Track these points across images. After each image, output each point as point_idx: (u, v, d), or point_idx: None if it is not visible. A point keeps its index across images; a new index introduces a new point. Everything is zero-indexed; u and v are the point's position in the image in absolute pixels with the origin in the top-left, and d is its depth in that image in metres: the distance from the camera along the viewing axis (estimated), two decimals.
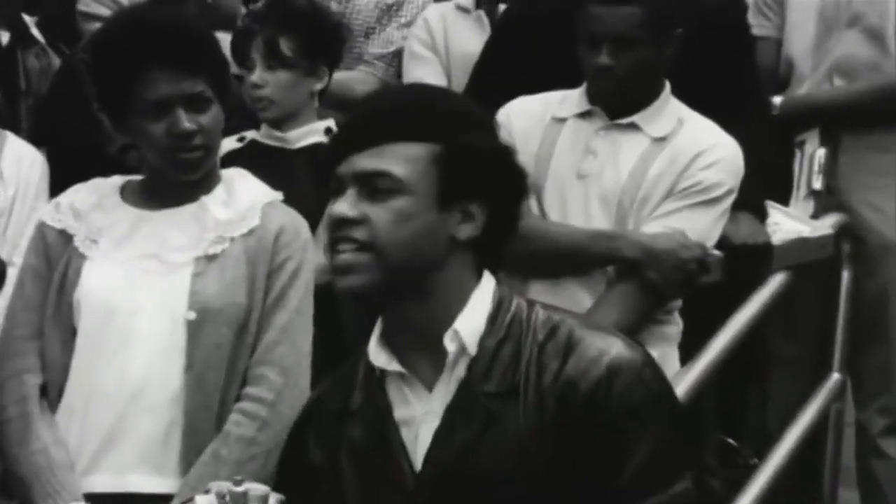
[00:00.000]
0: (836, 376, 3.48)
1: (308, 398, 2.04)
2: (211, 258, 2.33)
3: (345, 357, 3.39)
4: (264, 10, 3.23)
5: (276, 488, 1.91)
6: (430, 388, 1.87)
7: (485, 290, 1.87)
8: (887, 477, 3.66)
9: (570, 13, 2.88)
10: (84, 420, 2.32)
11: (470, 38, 3.65)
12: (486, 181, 1.84)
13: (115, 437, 2.30)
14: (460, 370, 1.85)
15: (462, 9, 3.80)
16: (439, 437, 1.83)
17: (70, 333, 2.34)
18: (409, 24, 3.89)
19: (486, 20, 3.72)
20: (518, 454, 1.80)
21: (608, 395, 1.79)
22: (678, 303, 2.96)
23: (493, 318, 1.85)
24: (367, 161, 1.84)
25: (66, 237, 2.39)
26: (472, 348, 1.85)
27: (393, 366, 1.87)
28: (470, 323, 1.85)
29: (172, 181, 2.38)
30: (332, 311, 3.08)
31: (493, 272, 1.92)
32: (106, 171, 2.57)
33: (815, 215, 3.52)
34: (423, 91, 1.96)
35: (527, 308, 1.87)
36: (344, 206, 1.83)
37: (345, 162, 1.85)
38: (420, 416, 1.86)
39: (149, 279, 2.33)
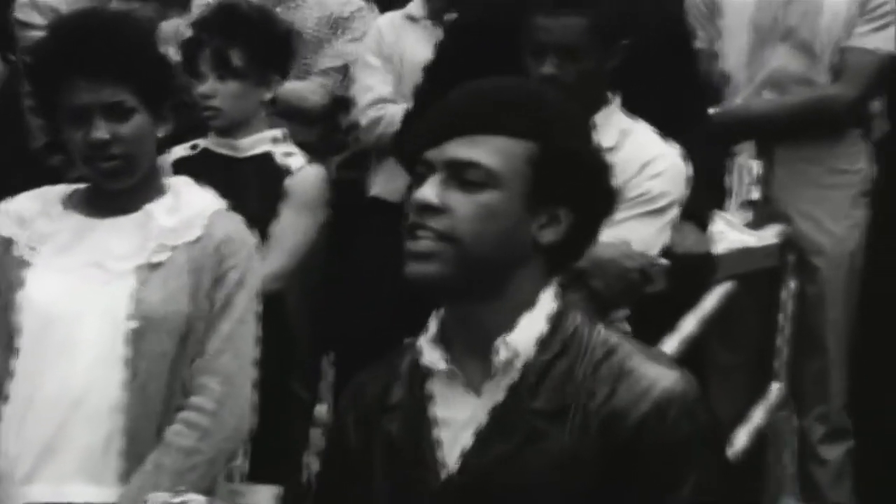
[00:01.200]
0: (777, 385, 3.52)
1: (350, 385, 1.93)
2: (154, 266, 2.32)
3: (295, 364, 3.39)
4: (213, 19, 3.22)
5: (319, 476, 1.87)
6: (477, 391, 1.78)
7: (546, 301, 1.78)
8: (828, 483, 3.71)
9: (517, 23, 2.90)
10: (23, 429, 2.31)
11: (420, 46, 3.66)
12: (578, 188, 1.77)
13: (55, 446, 2.29)
14: (510, 379, 1.77)
15: (411, 18, 3.82)
16: (477, 444, 1.76)
17: (11, 341, 2.33)
18: (359, 40, 3.90)
19: (435, 30, 3.74)
20: (555, 475, 1.73)
21: (656, 429, 1.71)
22: (624, 312, 2.98)
23: (553, 331, 1.77)
24: (461, 149, 1.73)
25: (8, 244, 2.37)
26: (524, 359, 1.76)
27: (441, 364, 1.79)
28: (528, 332, 1.76)
29: (114, 190, 2.37)
30: (281, 318, 3.10)
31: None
32: (50, 176, 2.56)
33: (754, 225, 3.57)
34: (531, 88, 1.85)
35: (587, 325, 1.78)
36: (429, 191, 1.73)
37: (436, 147, 1.75)
38: (462, 419, 1.78)
39: (91, 287, 2.32)
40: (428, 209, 1.74)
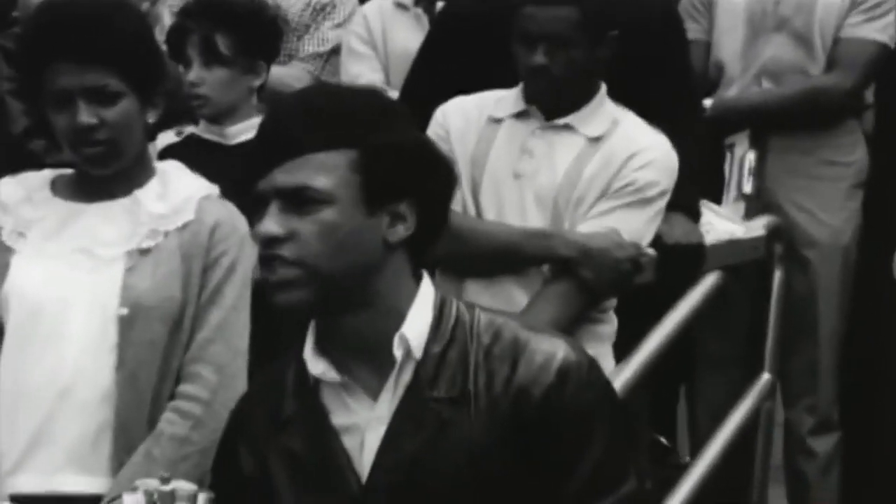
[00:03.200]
0: (766, 376, 3.52)
1: (236, 404, 1.98)
2: (144, 252, 2.29)
3: (281, 354, 3.39)
4: (199, 6, 3.19)
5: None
6: (373, 395, 1.82)
7: (426, 294, 1.83)
8: (815, 475, 3.72)
9: (507, 13, 2.89)
10: (11, 419, 2.27)
11: (408, 35, 3.65)
12: (410, 178, 1.79)
13: (44, 436, 2.26)
14: (406, 376, 1.81)
15: (400, 5, 3.80)
16: (388, 443, 1.79)
17: None
18: (342, 25, 3.88)
19: (424, 18, 3.73)
20: (470, 461, 1.77)
21: (560, 399, 1.78)
22: (613, 302, 2.98)
23: (437, 323, 1.81)
24: (286, 176, 1.77)
25: None
26: (418, 353, 1.80)
27: (331, 375, 1.82)
28: (415, 327, 1.81)
29: (101, 175, 2.34)
30: (268, 307, 3.07)
31: (431, 274, 1.89)
32: (31, 161, 2.54)
33: (747, 217, 3.57)
34: (331, 95, 1.87)
35: (468, 311, 1.84)
36: (270, 224, 1.77)
37: (265, 178, 1.79)
38: (364, 424, 1.81)
39: (79, 274, 2.29)
40: (273, 241, 1.78)
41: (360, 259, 1.79)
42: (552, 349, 1.81)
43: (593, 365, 1.84)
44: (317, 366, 1.83)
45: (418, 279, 1.85)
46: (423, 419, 1.79)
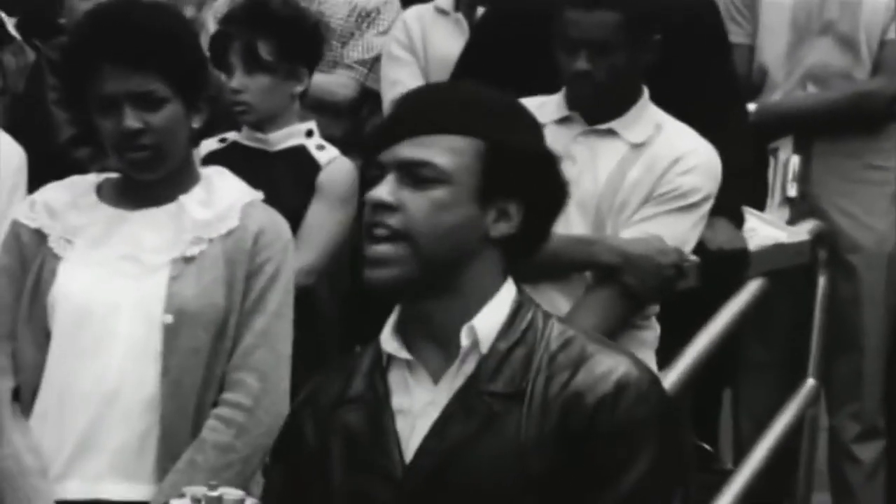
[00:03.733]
0: (811, 382, 3.50)
1: (309, 383, 1.99)
2: (188, 260, 2.30)
3: (323, 360, 3.40)
4: (241, 13, 3.21)
5: (269, 473, 1.90)
6: (436, 379, 1.85)
7: (506, 293, 1.86)
8: (859, 482, 3.68)
9: (548, 18, 2.89)
10: (58, 425, 2.29)
11: (448, 40, 3.65)
12: (527, 182, 1.84)
13: (89, 443, 2.27)
14: (469, 366, 1.83)
15: (441, 11, 3.80)
16: (436, 429, 1.82)
17: (44, 335, 2.31)
18: (386, 32, 3.89)
19: (465, 23, 3.73)
20: (514, 458, 1.78)
21: (613, 411, 1.79)
22: (655, 308, 2.96)
23: (510, 322, 1.84)
24: (411, 150, 1.82)
25: (40, 236, 2.35)
26: (485, 346, 1.83)
27: (402, 353, 1.85)
28: (487, 322, 1.83)
29: (145, 180, 2.35)
30: (310, 313, 3.08)
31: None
32: (75, 170, 2.55)
33: (791, 222, 3.55)
34: (475, 88, 1.93)
35: (543, 318, 1.87)
36: (382, 190, 1.82)
37: (388, 149, 1.84)
38: (420, 407, 1.84)
39: (125, 281, 2.30)
40: (382, 207, 1.82)
41: (459, 245, 1.82)
42: (615, 363, 1.82)
43: (655, 382, 1.85)
44: (390, 343, 1.87)
45: (505, 277, 1.87)
46: (475, 410, 1.81)
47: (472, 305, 1.84)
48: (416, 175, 1.82)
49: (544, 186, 1.87)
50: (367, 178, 1.88)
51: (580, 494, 1.79)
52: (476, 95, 1.90)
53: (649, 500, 1.79)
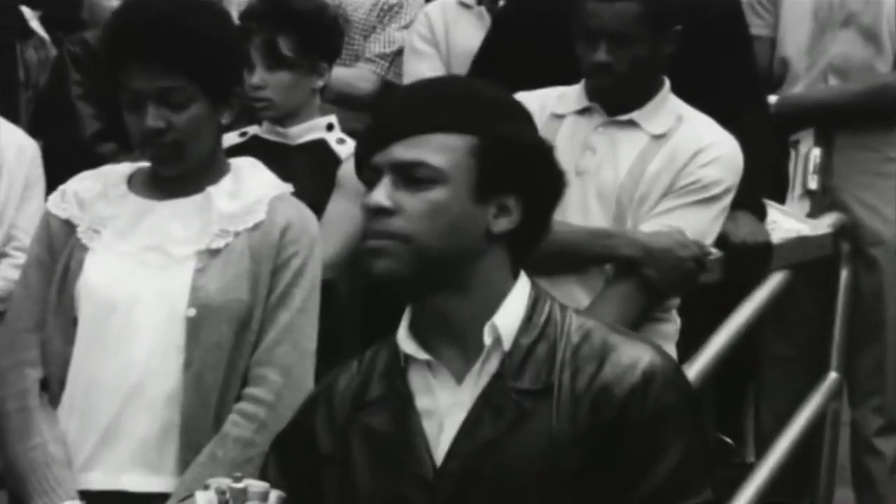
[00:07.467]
0: (833, 375, 3.48)
1: (316, 386, 2.01)
2: (214, 253, 2.29)
3: (340, 355, 3.40)
4: (261, 9, 3.20)
5: (265, 476, 1.90)
6: (458, 379, 1.84)
7: (521, 289, 1.85)
8: (882, 476, 3.66)
9: (569, 9, 2.88)
10: (83, 416, 2.30)
11: (471, 33, 3.64)
12: (524, 175, 1.83)
13: (113, 434, 2.28)
14: (492, 364, 1.83)
15: (464, 4, 3.79)
16: (466, 429, 1.81)
17: (71, 325, 2.31)
18: (408, 26, 3.88)
19: (487, 16, 3.72)
20: (546, 454, 1.78)
21: (643, 401, 1.78)
22: (676, 301, 2.95)
23: (529, 317, 1.83)
24: (404, 150, 1.81)
25: (70, 227, 2.35)
26: (507, 344, 1.82)
27: (421, 354, 1.84)
28: (507, 319, 1.83)
29: (170, 174, 2.34)
30: (331, 309, 3.08)
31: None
32: (100, 164, 2.55)
33: (812, 215, 3.53)
34: (464, 83, 1.94)
35: (560, 311, 1.86)
36: (380, 195, 1.81)
37: (381, 151, 1.83)
38: (445, 408, 1.83)
39: (150, 272, 2.30)
40: (381, 212, 1.80)
41: (462, 243, 1.81)
42: (640, 352, 1.82)
43: (679, 371, 1.85)
44: (407, 345, 1.86)
45: (516, 274, 1.87)
46: (504, 409, 1.80)
47: (486, 303, 1.83)
48: (411, 176, 1.81)
49: (541, 178, 1.85)
50: (363, 181, 1.86)
51: (615, 486, 1.78)
52: (465, 90, 1.89)
53: (682, 489, 1.79)
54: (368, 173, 1.84)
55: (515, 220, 1.83)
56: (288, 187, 2.40)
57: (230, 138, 3.17)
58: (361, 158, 1.87)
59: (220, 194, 2.33)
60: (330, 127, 3.18)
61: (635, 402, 1.78)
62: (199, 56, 2.28)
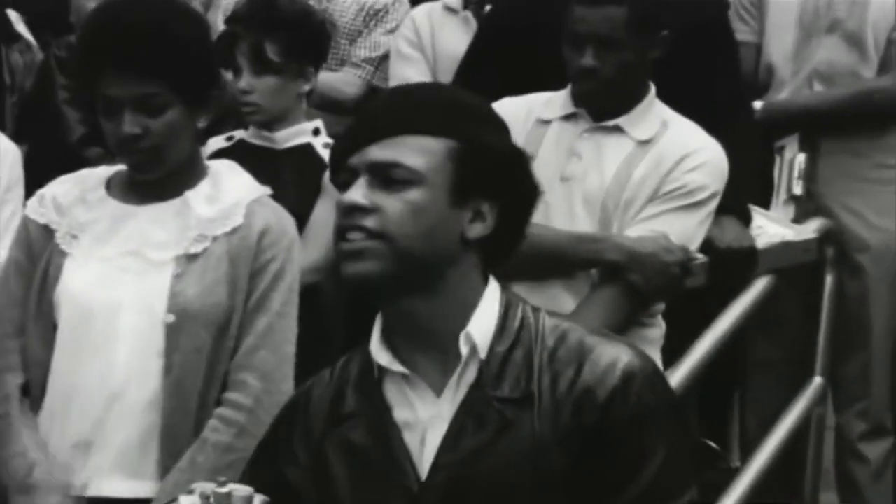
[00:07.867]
0: (818, 380, 3.49)
1: (291, 398, 1.99)
2: (192, 258, 2.29)
3: (327, 359, 3.40)
4: (248, 13, 3.20)
5: (243, 477, 1.89)
6: (436, 391, 1.83)
7: (493, 294, 1.85)
8: (867, 480, 3.68)
9: (555, 14, 2.88)
10: (63, 422, 2.29)
11: (457, 38, 3.64)
12: (500, 182, 1.83)
13: (93, 440, 2.28)
14: (470, 374, 1.82)
15: (450, 9, 3.80)
16: (449, 441, 1.80)
17: (51, 331, 2.31)
18: (394, 31, 3.89)
19: (473, 21, 3.72)
20: (532, 461, 1.77)
21: (625, 401, 1.78)
22: (661, 306, 2.96)
23: (503, 323, 1.83)
24: (382, 151, 1.81)
25: (48, 232, 2.35)
26: (483, 352, 1.82)
27: (396, 366, 1.83)
28: (481, 326, 1.82)
29: (147, 179, 2.34)
30: (316, 312, 3.08)
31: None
32: (84, 168, 2.55)
33: (797, 220, 3.54)
34: (444, 88, 1.95)
35: (533, 314, 1.86)
36: (356, 193, 1.80)
37: (358, 152, 1.82)
38: (426, 420, 1.82)
39: (128, 278, 2.30)
40: (356, 210, 1.80)
41: (438, 247, 1.81)
42: (617, 353, 1.82)
43: (657, 371, 1.85)
44: (381, 356, 1.84)
45: (486, 281, 1.87)
46: (486, 418, 1.80)
47: (459, 311, 1.82)
48: (387, 176, 1.81)
49: (517, 186, 1.86)
50: (337, 184, 1.85)
51: (598, 491, 1.78)
52: (445, 95, 1.90)
53: (668, 490, 1.79)
54: (344, 175, 1.84)
55: (490, 226, 1.84)
56: (266, 190, 2.39)
57: (216, 142, 3.18)
58: (337, 161, 1.86)
59: (198, 199, 2.33)
60: (316, 131, 3.18)
61: (617, 403, 1.78)
62: (174, 62, 2.28)
